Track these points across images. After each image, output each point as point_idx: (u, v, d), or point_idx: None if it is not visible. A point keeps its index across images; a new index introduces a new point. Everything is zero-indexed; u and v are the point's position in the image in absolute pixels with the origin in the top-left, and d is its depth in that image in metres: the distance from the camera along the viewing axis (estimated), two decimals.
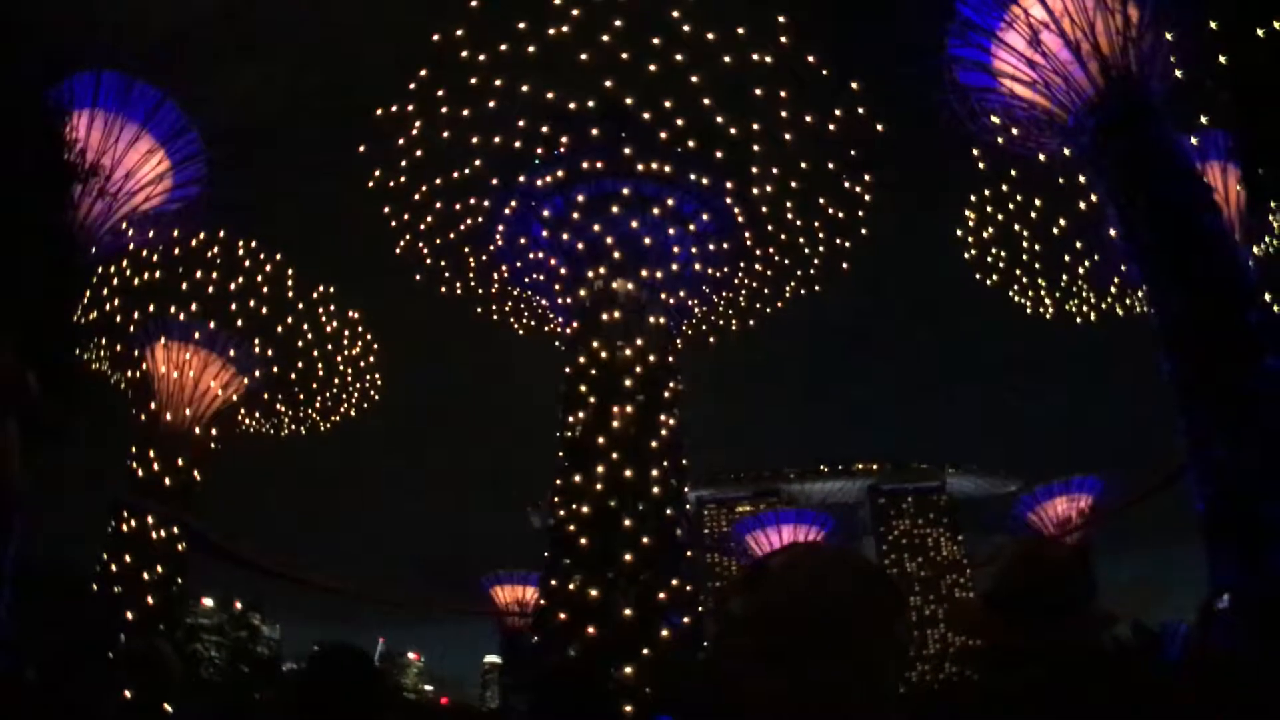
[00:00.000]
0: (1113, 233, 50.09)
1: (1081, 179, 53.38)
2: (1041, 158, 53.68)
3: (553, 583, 55.92)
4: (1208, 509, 39.03)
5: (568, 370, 59.91)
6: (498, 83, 55.09)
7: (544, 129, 57.64)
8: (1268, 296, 50.00)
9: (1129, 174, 44.86)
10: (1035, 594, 2.99)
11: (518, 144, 58.25)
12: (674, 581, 54.03)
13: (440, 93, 55.64)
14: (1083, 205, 57.59)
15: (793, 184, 60.74)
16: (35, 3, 39.10)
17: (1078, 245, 62.63)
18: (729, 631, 1.98)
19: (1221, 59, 41.35)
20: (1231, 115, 44.45)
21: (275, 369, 71.88)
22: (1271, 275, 52.63)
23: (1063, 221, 61.83)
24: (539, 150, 58.46)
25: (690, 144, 57.36)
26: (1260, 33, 35.65)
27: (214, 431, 70.27)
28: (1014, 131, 51.76)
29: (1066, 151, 50.29)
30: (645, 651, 50.30)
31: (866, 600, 1.91)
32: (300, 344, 72.19)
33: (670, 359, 60.98)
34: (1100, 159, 46.53)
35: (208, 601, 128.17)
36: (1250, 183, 41.87)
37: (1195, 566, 40.03)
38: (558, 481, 57.86)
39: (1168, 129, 46.12)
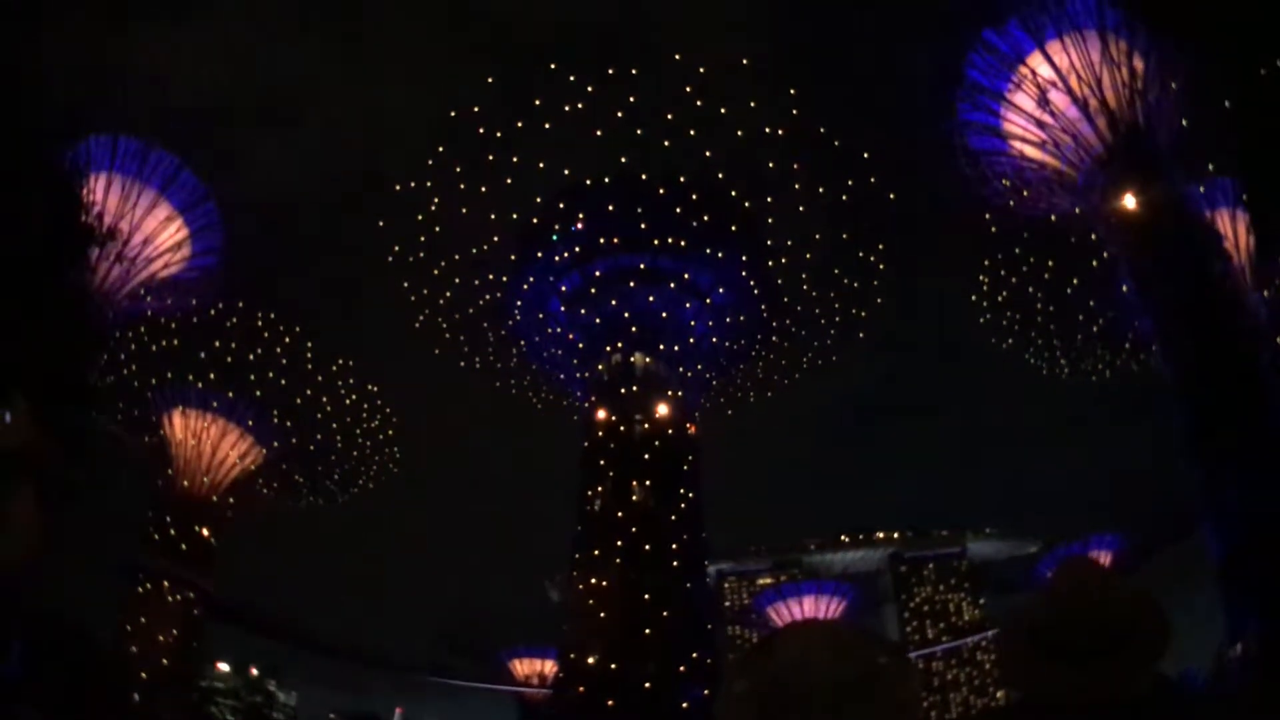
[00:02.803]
0: (1125, 288, 50.01)
1: (1093, 235, 53.34)
2: (1053, 218, 53.79)
3: (571, 655, 55.36)
4: (1225, 557, 38.57)
5: (586, 444, 59.96)
6: (515, 159, 55.79)
7: (561, 205, 58.22)
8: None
9: (1139, 228, 44.96)
10: (1088, 631, 2.85)
11: (535, 220, 58.83)
12: (694, 654, 53.41)
13: (458, 168, 56.31)
14: (1094, 263, 57.52)
15: (807, 255, 61.06)
16: (53, 63, 39.55)
17: (1090, 303, 62.45)
18: (728, 712, 2.03)
19: (1226, 103, 41.58)
20: (1238, 159, 44.56)
21: (294, 440, 71.83)
22: None
23: (1075, 280, 61.70)
24: (556, 226, 59.02)
25: (705, 218, 57.82)
26: (1263, 71, 35.78)
27: (231, 500, 70.16)
28: (1025, 193, 51.94)
29: (1077, 210, 50.40)
30: None
31: (858, 674, 1.94)
32: (319, 416, 72.21)
33: (689, 431, 60.90)
34: (1111, 214, 46.62)
35: (223, 666, 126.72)
36: (1260, 225, 41.86)
37: (1212, 614, 39.52)
38: (576, 555, 57.52)
39: (1177, 180, 46.23)
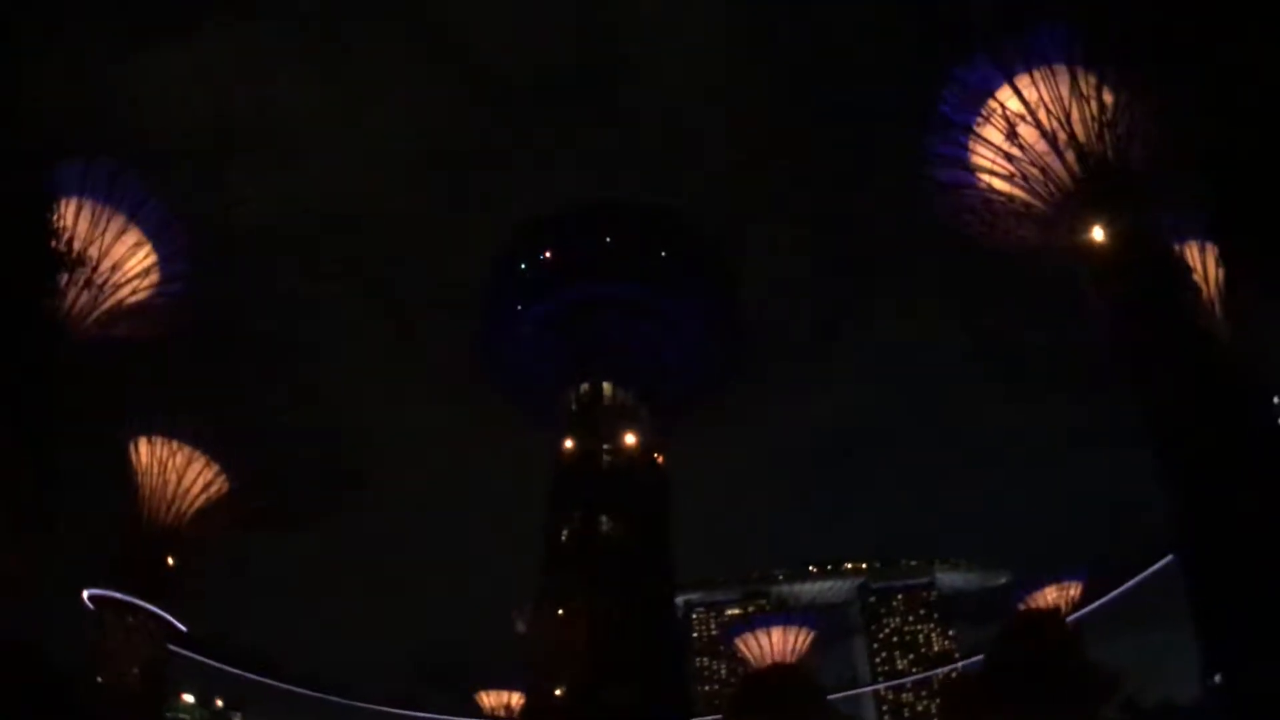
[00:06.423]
0: (1095, 319, 50.29)
1: (1063, 266, 53.59)
2: (1023, 249, 54.03)
3: (540, 687, 54.81)
4: (1197, 588, 38.80)
5: (554, 473, 59.56)
6: (490, 188, 55.77)
7: (529, 233, 57.97)
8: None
9: (1108, 260, 45.37)
10: (1034, 668, 2.85)
11: (504, 248, 58.54)
12: (662, 686, 52.99)
13: (435, 197, 56.20)
14: (1066, 294, 57.84)
15: (777, 286, 61.22)
16: (36, 92, 39.11)
17: (1062, 335, 62.88)
18: None
19: (1194, 135, 41.99)
20: (1207, 191, 45.06)
21: (259, 470, 70.72)
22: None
23: (1047, 312, 62.15)
24: (524, 255, 58.79)
25: (676, 248, 57.73)
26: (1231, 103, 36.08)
27: (196, 527, 69.07)
28: (994, 225, 52.15)
29: (1047, 241, 50.62)
30: None
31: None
32: (284, 446, 71.33)
33: (657, 461, 60.56)
34: (1080, 247, 47.04)
35: (188, 697, 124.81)
36: (1229, 257, 42.27)
37: (1182, 644, 39.79)
38: (544, 586, 56.95)
39: (1145, 212, 46.68)
